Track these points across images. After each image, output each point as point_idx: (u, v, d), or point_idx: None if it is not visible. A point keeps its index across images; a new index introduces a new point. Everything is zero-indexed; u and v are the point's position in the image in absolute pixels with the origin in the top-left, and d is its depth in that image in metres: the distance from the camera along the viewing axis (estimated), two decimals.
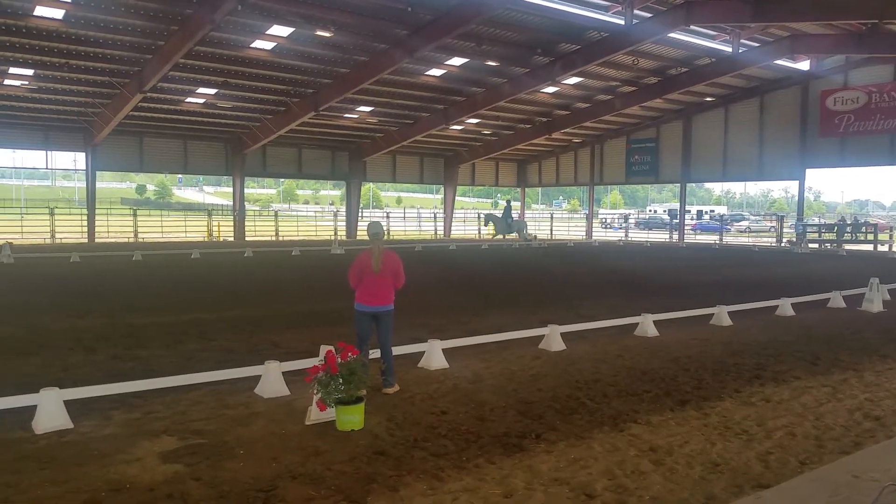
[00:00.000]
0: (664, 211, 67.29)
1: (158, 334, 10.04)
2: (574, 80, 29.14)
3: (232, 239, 35.21)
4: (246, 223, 36.55)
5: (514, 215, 36.61)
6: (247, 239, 35.04)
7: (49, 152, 31.01)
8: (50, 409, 5.93)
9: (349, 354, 6.04)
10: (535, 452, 5.52)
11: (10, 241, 25.09)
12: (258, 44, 22.99)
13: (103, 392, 6.51)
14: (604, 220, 65.37)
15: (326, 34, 21.61)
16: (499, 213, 37.56)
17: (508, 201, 36.57)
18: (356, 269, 7.16)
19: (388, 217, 46.04)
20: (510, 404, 6.82)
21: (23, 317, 11.23)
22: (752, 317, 12.16)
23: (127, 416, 6.32)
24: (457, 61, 25.80)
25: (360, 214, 41.65)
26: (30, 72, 23.66)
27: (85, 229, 31.93)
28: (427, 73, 27.07)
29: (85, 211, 32.54)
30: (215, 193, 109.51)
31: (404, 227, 47.19)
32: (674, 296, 15.03)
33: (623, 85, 31.19)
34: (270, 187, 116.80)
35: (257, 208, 78.59)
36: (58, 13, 19.51)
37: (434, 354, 8.30)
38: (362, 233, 38.30)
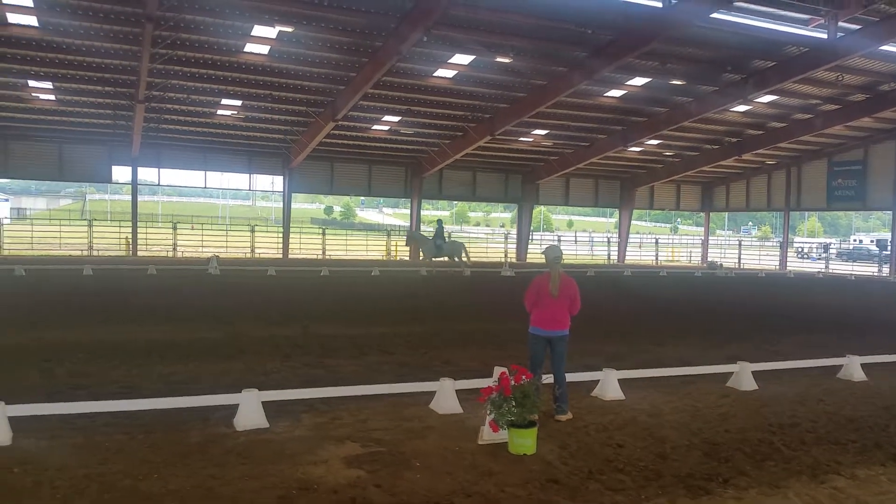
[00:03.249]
0: (871, 241, 60.47)
1: (345, 345, 10.64)
2: (768, 97, 27.17)
3: (408, 258, 36.68)
4: None
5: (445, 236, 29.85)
6: (421, 258, 36.35)
7: (252, 175, 34.36)
8: (250, 409, 6.47)
9: (522, 377, 6.00)
10: (723, 498, 5.13)
11: (217, 254, 27.95)
12: (440, 72, 23.90)
13: (296, 396, 7.01)
14: (800, 250, 59.85)
15: (506, 60, 21.97)
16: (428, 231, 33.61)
17: (439, 220, 30.08)
18: (532, 292, 7.13)
19: (559, 240, 45.66)
20: (694, 443, 6.39)
21: (229, 324, 12.42)
22: None
23: (315, 419, 6.73)
24: (638, 81, 25.08)
25: (530, 237, 41.63)
26: (238, 103, 26.42)
27: (280, 245, 34.87)
28: (606, 94, 26.59)
29: (281, 229, 35.56)
30: (394, 215, 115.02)
31: (575, 251, 46.47)
32: (885, 336, 13.39)
33: (825, 103, 28.56)
34: (444, 209, 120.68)
35: (431, 229, 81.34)
36: (264, 49, 21.63)
37: (609, 384, 8.01)
38: (533, 255, 38.27)
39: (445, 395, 7.19)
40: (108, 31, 19.79)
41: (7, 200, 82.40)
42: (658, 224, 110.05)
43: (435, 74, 24.07)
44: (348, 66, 22.91)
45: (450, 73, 23.98)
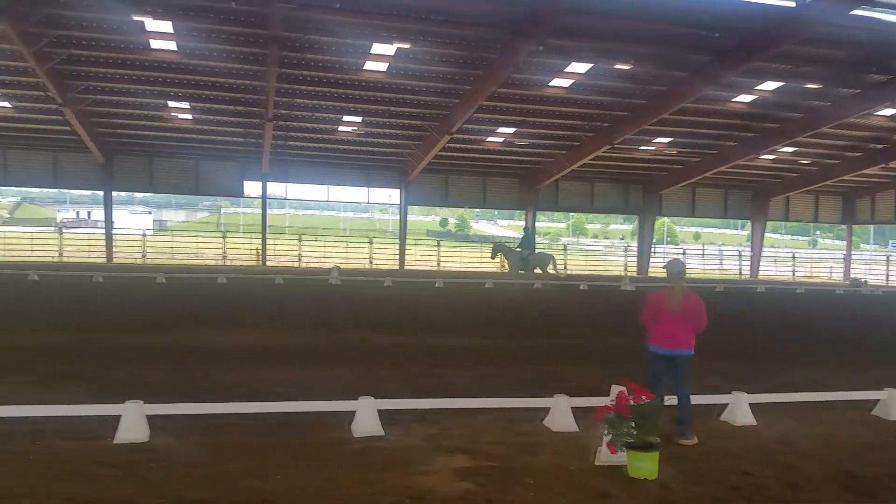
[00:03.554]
0: None
1: (457, 356, 10.67)
2: None
3: (522, 271, 36.44)
4: None
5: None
6: (536, 272, 36.00)
7: (370, 188, 35.42)
8: (366, 416, 6.60)
9: (642, 398, 5.74)
10: None
11: (338, 264, 28.97)
12: (556, 82, 23.62)
13: (411, 406, 7.08)
14: None
15: (625, 67, 21.40)
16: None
17: (526, 228, 28.60)
18: (651, 307, 6.82)
19: (684, 253, 43.78)
20: (830, 475, 5.87)
21: (345, 332, 12.80)
22: None
23: (426, 430, 6.75)
24: (769, 85, 23.64)
25: (652, 250, 40.21)
26: (359, 119, 27.34)
27: (397, 257, 35.69)
28: (734, 99, 25.25)
29: (397, 241, 36.39)
30: (508, 227, 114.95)
31: (703, 265, 44.36)
32: None
33: None
34: (560, 221, 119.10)
35: (547, 241, 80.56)
36: (382, 66, 22.26)
37: (739, 408, 7.52)
38: (655, 269, 36.92)
39: (560, 412, 7.01)
40: (238, 53, 21.10)
41: (150, 213, 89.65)
42: (795, 237, 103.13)
43: (550, 84, 23.82)
44: (462, 79, 23.14)
45: (565, 83, 23.67)
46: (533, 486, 5.42)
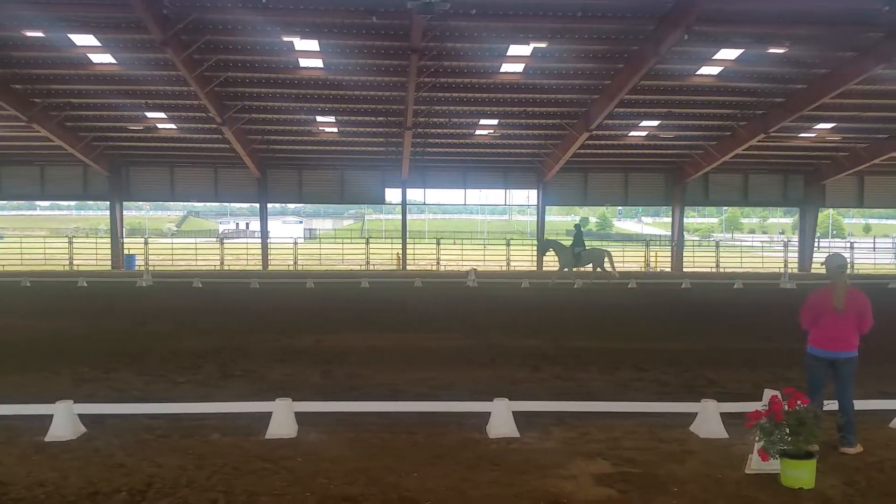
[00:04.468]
0: None
1: (597, 359, 10.39)
2: None
3: (669, 269, 34.94)
4: (684, 254, 35.87)
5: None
6: (684, 270, 34.38)
7: (507, 190, 35.44)
8: (501, 418, 6.58)
9: (798, 403, 5.31)
10: None
11: (475, 267, 29.20)
12: (704, 70, 22.45)
13: (545, 408, 6.98)
14: None
15: (780, 50, 19.93)
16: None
17: (577, 225, 26.26)
18: (810, 307, 6.28)
19: (851, 248, 39.93)
20: None
21: (482, 334, 12.87)
22: None
23: (565, 433, 6.63)
24: None
25: (816, 245, 37.07)
26: (495, 122, 27.47)
27: (534, 258, 35.45)
28: None
29: (534, 241, 36.13)
30: (653, 224, 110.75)
31: (873, 260, 40.30)
32: None
33: None
34: (712, 216, 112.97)
35: (697, 238, 76.72)
36: (519, 67, 22.22)
37: None
38: (818, 265, 34.00)
39: (708, 418, 6.63)
40: (379, 66, 21.93)
41: (301, 222, 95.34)
42: None
43: (697, 73, 22.68)
44: (602, 74, 22.61)
45: (714, 70, 22.42)
46: (677, 493, 5.17)
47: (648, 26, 18.84)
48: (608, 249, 25.48)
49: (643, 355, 10.74)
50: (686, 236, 39.02)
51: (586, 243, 24.93)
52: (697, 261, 38.18)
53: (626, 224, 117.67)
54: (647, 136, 29.16)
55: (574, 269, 24.09)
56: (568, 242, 25.67)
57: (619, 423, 6.90)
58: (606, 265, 24.20)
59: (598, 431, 6.68)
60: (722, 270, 35.45)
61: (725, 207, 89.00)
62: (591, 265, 24.36)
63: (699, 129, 28.44)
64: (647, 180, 34.72)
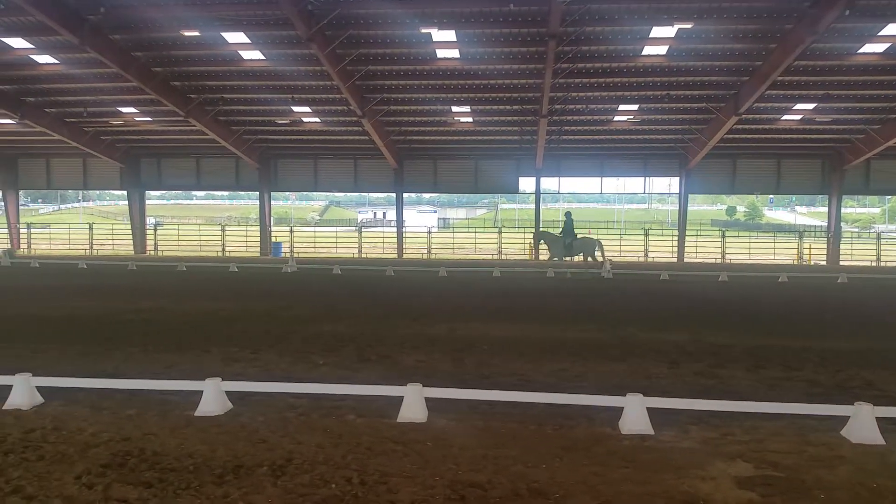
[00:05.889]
0: None
1: (741, 356, 9.81)
2: None
3: (824, 263, 32.31)
4: (841, 246, 33.03)
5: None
6: (841, 263, 31.63)
7: (647, 178, 34.15)
8: (634, 414, 6.38)
9: None
10: None
11: (610, 258, 28.40)
12: (867, 48, 20.52)
13: (681, 405, 6.68)
14: None
15: None
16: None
17: (568, 213, 24.75)
18: None
19: None
20: None
21: (616, 326, 12.51)
22: None
23: (704, 433, 6.32)
24: None
25: None
26: (635, 107, 26.54)
27: (675, 249, 33.96)
28: None
29: (676, 232, 34.61)
30: (808, 214, 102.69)
31: None
32: None
33: None
34: (873, 206, 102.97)
35: (856, 229, 70.30)
36: (661, 49, 21.32)
37: None
38: None
39: (862, 422, 6.09)
40: (515, 54, 21.82)
41: (435, 212, 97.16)
42: None
43: (860, 51, 20.76)
44: (753, 54, 21.25)
45: (880, 47, 20.42)
46: (825, 501, 4.80)
47: (804, 2, 17.47)
48: (598, 239, 25.52)
49: (793, 353, 10.01)
50: (844, 227, 35.84)
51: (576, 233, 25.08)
52: (856, 254, 35.12)
53: (779, 213, 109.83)
54: (801, 119, 27.12)
55: (565, 259, 24.57)
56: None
57: (764, 424, 6.48)
58: (598, 255, 24.33)
59: (740, 432, 6.31)
60: (883, 264, 32.33)
61: (889, 196, 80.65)
62: (581, 255, 24.64)
63: (861, 111, 26.04)
64: (801, 167, 32.29)
